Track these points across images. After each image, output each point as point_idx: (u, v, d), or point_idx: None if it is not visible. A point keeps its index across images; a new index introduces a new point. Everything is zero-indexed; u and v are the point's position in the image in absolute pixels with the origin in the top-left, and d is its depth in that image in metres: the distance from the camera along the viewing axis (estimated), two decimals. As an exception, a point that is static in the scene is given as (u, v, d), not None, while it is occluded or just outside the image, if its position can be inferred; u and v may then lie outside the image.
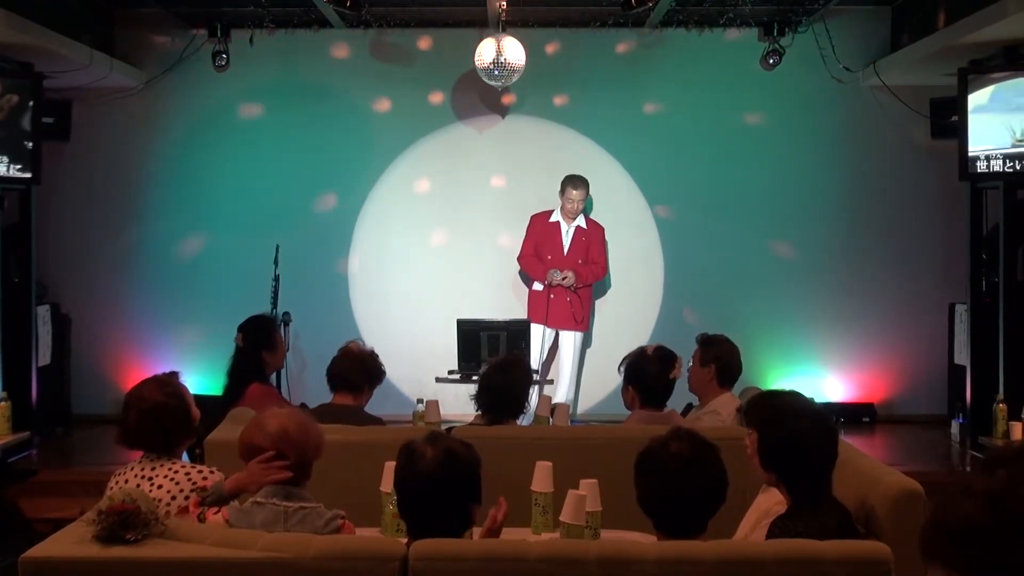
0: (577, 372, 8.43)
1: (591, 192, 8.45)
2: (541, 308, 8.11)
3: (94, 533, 2.84)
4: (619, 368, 5.01)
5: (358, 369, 5.04)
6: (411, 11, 8.54)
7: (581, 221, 8.21)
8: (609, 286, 8.68)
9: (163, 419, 3.63)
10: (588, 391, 8.61)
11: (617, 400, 8.00)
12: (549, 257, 8.18)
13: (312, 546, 2.87)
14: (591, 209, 8.46)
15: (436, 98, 8.80)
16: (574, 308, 8.18)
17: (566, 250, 8.18)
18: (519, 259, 8.35)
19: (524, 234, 8.33)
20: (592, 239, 8.21)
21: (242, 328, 5.62)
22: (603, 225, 8.34)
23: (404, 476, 3.01)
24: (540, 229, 8.27)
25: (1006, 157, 7.27)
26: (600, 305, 8.67)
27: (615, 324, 8.64)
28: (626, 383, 4.95)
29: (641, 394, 4.89)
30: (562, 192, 8.16)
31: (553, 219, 8.25)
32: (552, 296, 8.12)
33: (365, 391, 5.08)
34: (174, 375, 3.82)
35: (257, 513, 3.15)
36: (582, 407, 8.55)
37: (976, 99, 7.37)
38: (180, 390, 3.74)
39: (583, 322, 8.31)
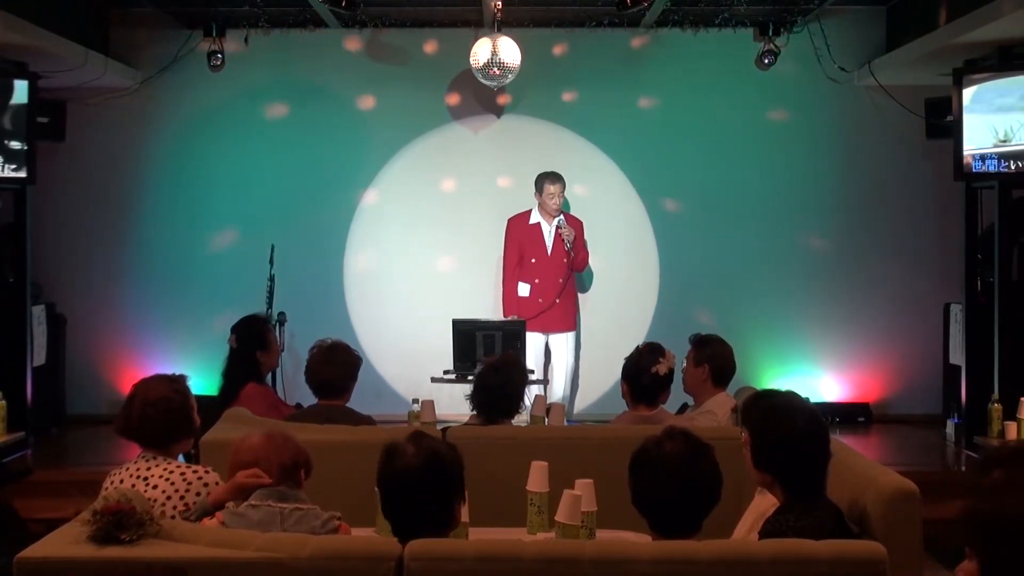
0: (573, 372, 8.43)
1: (586, 191, 8.45)
2: (534, 316, 8.01)
3: (89, 533, 2.84)
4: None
5: (342, 375, 5.04)
6: (406, 11, 8.54)
7: (561, 218, 8.16)
8: (592, 277, 8.65)
9: (166, 412, 3.63)
10: (584, 391, 8.61)
11: (612, 400, 8.01)
12: (533, 260, 8.14)
13: (307, 546, 2.87)
14: (568, 207, 8.41)
15: (431, 98, 8.78)
16: (565, 311, 8.18)
17: (550, 250, 8.13)
18: (504, 274, 8.26)
19: (504, 239, 8.29)
20: (575, 234, 8.15)
21: (235, 329, 5.63)
22: (582, 219, 8.32)
23: (385, 474, 3.01)
24: (520, 232, 8.22)
25: (1000, 157, 7.26)
26: (596, 305, 8.66)
27: (610, 324, 8.63)
28: (621, 380, 5.00)
29: (631, 391, 4.92)
30: (539, 190, 8.12)
31: (533, 220, 8.20)
32: (541, 300, 8.10)
33: (350, 389, 5.10)
34: (183, 377, 3.83)
35: (252, 515, 3.15)
36: (578, 407, 8.55)
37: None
38: (187, 390, 3.76)
39: (573, 322, 8.32)
